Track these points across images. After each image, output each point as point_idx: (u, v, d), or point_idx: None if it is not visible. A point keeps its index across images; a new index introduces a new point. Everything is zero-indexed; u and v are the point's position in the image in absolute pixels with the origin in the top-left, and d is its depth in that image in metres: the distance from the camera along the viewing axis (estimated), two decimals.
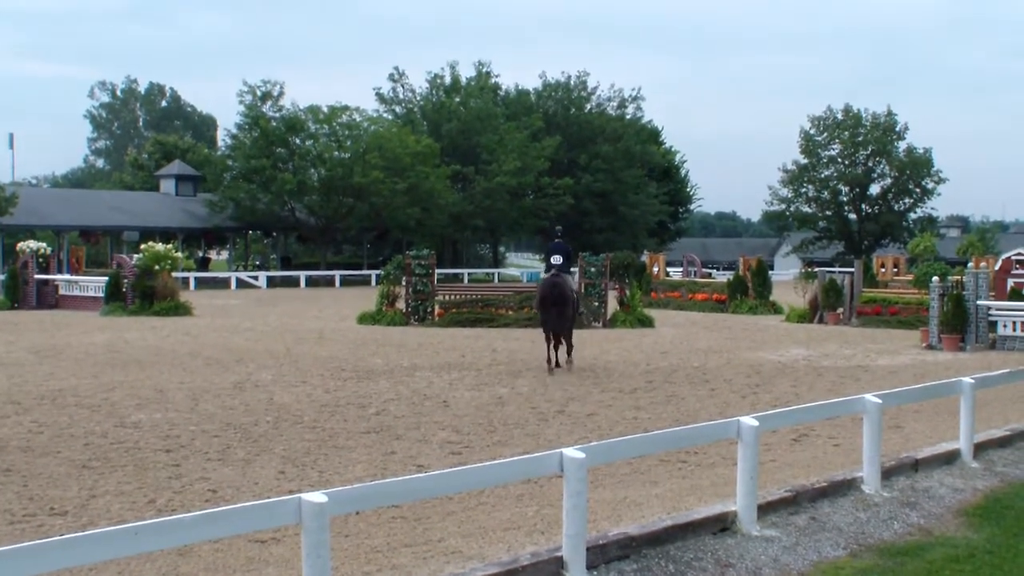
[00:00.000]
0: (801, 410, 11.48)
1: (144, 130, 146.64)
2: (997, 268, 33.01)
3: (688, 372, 21.48)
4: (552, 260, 22.24)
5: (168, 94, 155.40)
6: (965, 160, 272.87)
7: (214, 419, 15.01)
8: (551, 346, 21.51)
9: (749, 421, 9.45)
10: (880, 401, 11.06)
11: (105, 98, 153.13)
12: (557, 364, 21.44)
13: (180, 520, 5.95)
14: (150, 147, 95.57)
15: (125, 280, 39.07)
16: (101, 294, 39.94)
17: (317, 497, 6.31)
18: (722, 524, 9.11)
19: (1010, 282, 31.68)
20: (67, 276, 46.30)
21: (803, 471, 11.33)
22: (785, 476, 11.02)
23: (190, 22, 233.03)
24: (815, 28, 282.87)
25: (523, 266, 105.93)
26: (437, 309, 34.25)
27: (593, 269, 34.18)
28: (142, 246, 40.51)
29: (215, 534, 6.28)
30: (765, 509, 9.47)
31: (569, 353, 21.85)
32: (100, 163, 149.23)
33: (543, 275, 23.90)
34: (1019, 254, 33.18)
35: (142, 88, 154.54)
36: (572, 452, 7.83)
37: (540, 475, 8.47)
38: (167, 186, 76.96)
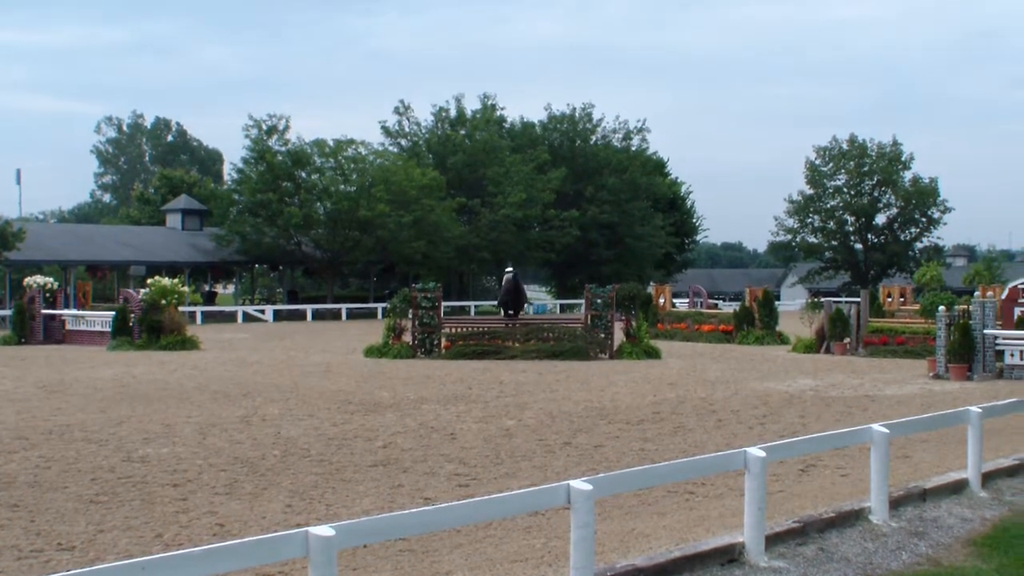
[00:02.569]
0: (808, 440, 11.46)
1: (150, 164, 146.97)
2: (1004, 297, 32.95)
3: (695, 403, 21.46)
4: (503, 296, 34.20)
5: (174, 128, 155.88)
6: (971, 189, 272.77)
7: (221, 453, 15.01)
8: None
9: (756, 452, 9.44)
10: (887, 431, 11.05)
11: (111, 133, 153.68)
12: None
13: (187, 554, 5.95)
14: (156, 181, 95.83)
15: (132, 315, 39.13)
16: (108, 329, 39.99)
17: (324, 531, 6.31)
18: (730, 555, 9.09)
19: (1017, 311, 31.63)
20: (74, 311, 46.34)
21: (811, 501, 11.30)
22: (793, 506, 11.00)
23: (195, 56, 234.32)
24: (820, 58, 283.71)
25: (530, 298, 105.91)
26: (443, 342, 34.25)
27: (599, 300, 34.17)
28: (149, 280, 40.59)
29: (222, 568, 6.27)
30: (773, 540, 9.45)
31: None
32: (107, 198, 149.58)
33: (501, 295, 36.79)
34: None
35: (148, 123, 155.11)
36: (579, 484, 7.83)
37: (547, 507, 8.46)
38: (173, 220, 77.12)
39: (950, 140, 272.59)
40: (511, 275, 37.76)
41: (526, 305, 46.46)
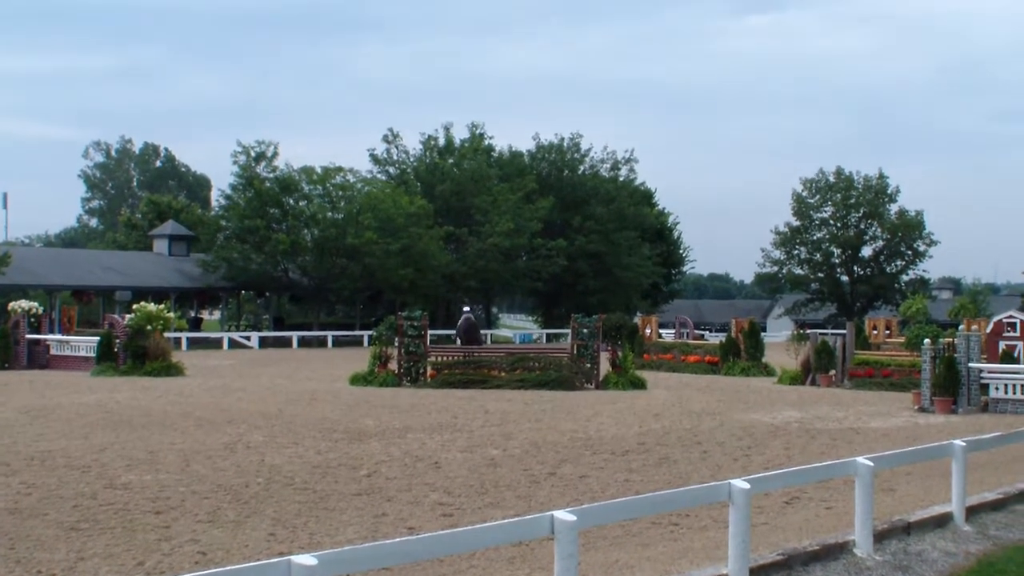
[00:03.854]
0: (793, 473, 11.47)
1: (138, 190, 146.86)
2: (989, 331, 33.06)
3: (680, 434, 21.44)
4: (456, 336, 36.74)
5: (162, 154, 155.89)
6: (956, 222, 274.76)
7: (205, 481, 14.94)
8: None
9: (741, 484, 9.44)
10: (872, 464, 11.06)
11: (99, 158, 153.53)
12: None
13: None
14: (144, 207, 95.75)
15: (117, 340, 39.00)
16: (92, 354, 39.83)
17: (307, 560, 6.28)
18: None
19: (1002, 345, 31.74)
20: (58, 336, 46.17)
21: (795, 534, 11.29)
22: (777, 539, 10.99)
23: (183, 83, 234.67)
24: (806, 91, 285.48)
25: (516, 327, 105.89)
26: (430, 370, 34.19)
27: (586, 330, 34.16)
28: (134, 306, 40.43)
29: None
30: (757, 572, 9.44)
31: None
32: (93, 223, 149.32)
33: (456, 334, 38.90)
34: (1010, 317, 33.26)
35: (136, 148, 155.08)
36: (563, 515, 7.81)
37: (531, 538, 8.44)
38: (160, 246, 77.02)
39: (936, 173, 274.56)
40: (467, 315, 38.68)
41: (511, 333, 47.02)
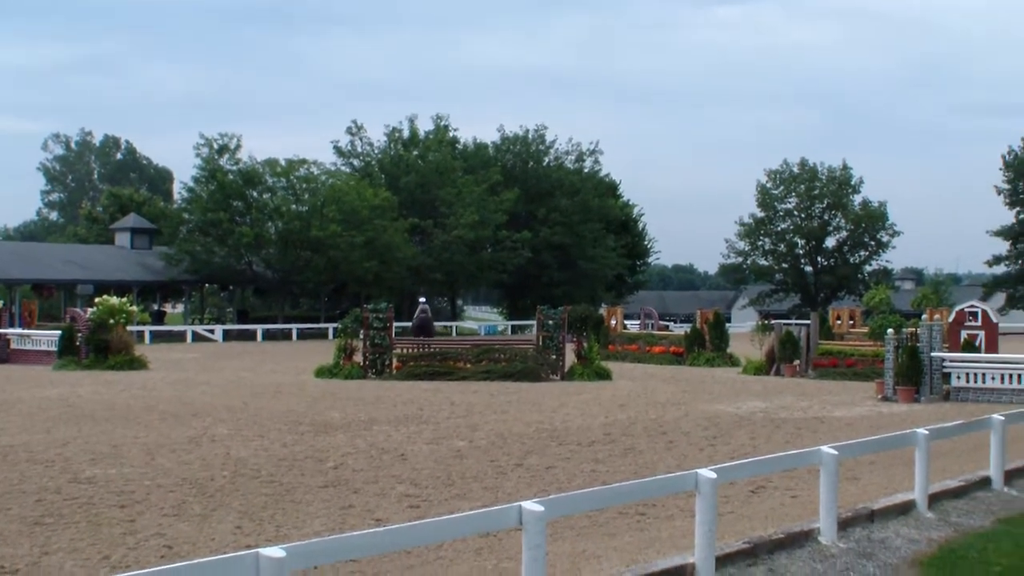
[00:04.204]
0: (759, 462, 11.53)
1: (99, 183, 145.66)
2: (951, 320, 33.40)
3: (646, 425, 21.51)
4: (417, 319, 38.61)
5: (123, 147, 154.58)
6: (919, 213, 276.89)
7: (170, 474, 14.87)
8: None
9: (707, 473, 9.48)
10: (836, 453, 11.14)
11: (59, 151, 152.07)
12: None
13: None
14: (105, 200, 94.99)
15: (79, 334, 38.70)
16: (54, 348, 39.50)
17: (275, 552, 6.27)
18: None
19: (963, 334, 32.10)
20: (19, 330, 45.77)
21: (761, 523, 11.36)
22: (743, 528, 11.05)
23: (144, 75, 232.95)
24: (772, 83, 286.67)
25: (481, 319, 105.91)
26: (395, 362, 34.14)
27: (551, 322, 34.21)
28: (96, 300, 40.14)
29: None
30: (723, 561, 9.49)
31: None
32: (54, 216, 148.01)
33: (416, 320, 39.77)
34: (972, 306, 33.65)
35: (97, 140, 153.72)
36: (531, 505, 7.83)
37: (499, 528, 8.45)
38: (122, 239, 76.44)
39: (898, 165, 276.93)
40: (423, 309, 39.06)
41: (476, 325, 47.24)
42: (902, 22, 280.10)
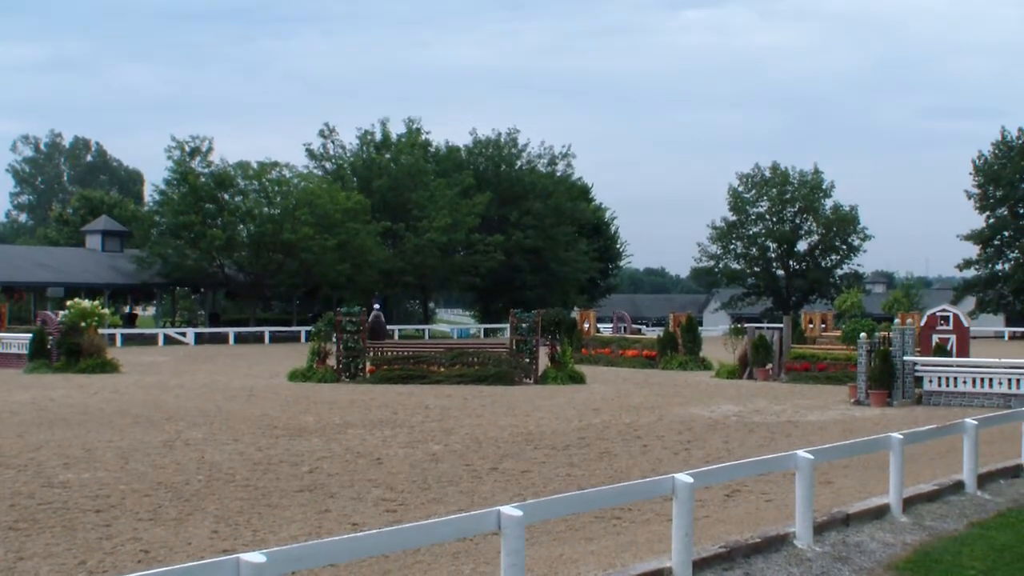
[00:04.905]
0: (734, 466, 11.58)
1: (69, 185, 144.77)
2: (922, 324, 33.62)
3: (620, 429, 21.56)
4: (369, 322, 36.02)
5: (94, 148, 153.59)
6: (890, 217, 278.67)
7: (144, 478, 14.80)
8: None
9: (684, 478, 9.52)
10: (812, 457, 11.20)
11: (28, 152, 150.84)
12: None
13: None
14: (75, 202, 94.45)
15: (50, 337, 38.47)
16: (25, 351, 39.25)
17: (256, 558, 6.25)
18: None
19: (935, 338, 32.32)
20: None
21: (737, 527, 11.41)
22: (719, 532, 11.10)
23: (113, 76, 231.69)
24: (743, 86, 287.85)
25: (453, 322, 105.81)
26: (368, 366, 34.10)
27: (524, 325, 34.23)
28: (67, 302, 39.90)
29: None
30: (700, 565, 9.53)
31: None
32: (23, 218, 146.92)
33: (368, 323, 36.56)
34: (943, 310, 33.88)
35: (67, 142, 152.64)
36: (510, 510, 7.84)
37: (478, 533, 8.45)
38: (93, 242, 76.03)
39: (869, 168, 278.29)
40: (376, 313, 39.35)
41: (449, 328, 47.18)
42: (873, 25, 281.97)
